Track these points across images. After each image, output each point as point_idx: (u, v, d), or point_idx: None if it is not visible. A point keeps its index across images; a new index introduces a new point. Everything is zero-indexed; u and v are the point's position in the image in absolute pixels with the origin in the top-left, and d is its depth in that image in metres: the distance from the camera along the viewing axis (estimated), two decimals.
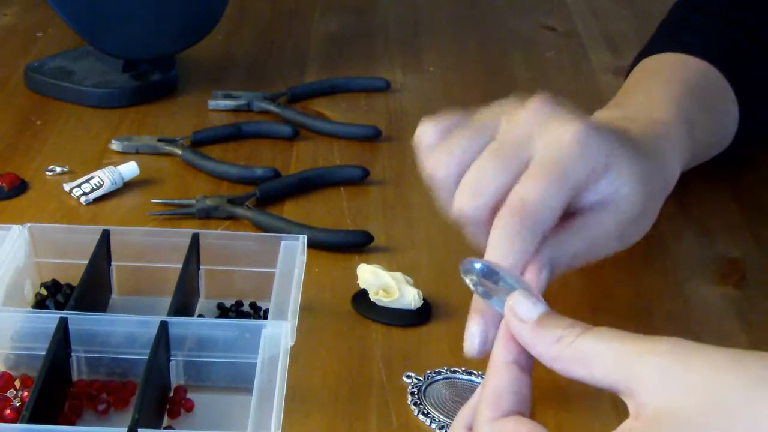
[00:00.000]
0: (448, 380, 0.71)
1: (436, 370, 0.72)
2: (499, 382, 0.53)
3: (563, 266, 0.64)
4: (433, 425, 0.67)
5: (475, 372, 0.72)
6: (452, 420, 0.67)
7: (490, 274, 0.56)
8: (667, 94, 0.82)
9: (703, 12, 0.94)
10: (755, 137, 0.95)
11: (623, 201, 0.66)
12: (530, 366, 0.54)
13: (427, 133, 0.69)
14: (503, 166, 0.63)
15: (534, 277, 0.61)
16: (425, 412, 0.68)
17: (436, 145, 0.68)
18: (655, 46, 0.93)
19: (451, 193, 0.66)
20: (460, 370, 0.72)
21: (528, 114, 0.66)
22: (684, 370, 0.47)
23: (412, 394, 0.69)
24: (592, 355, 0.49)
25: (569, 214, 0.65)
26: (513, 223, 0.60)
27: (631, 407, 0.48)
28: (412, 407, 0.68)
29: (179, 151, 0.97)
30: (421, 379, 0.71)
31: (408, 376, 0.71)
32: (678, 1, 0.99)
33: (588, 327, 0.51)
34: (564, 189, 0.62)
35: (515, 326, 0.53)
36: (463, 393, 0.70)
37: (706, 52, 0.88)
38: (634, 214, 0.67)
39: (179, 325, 0.67)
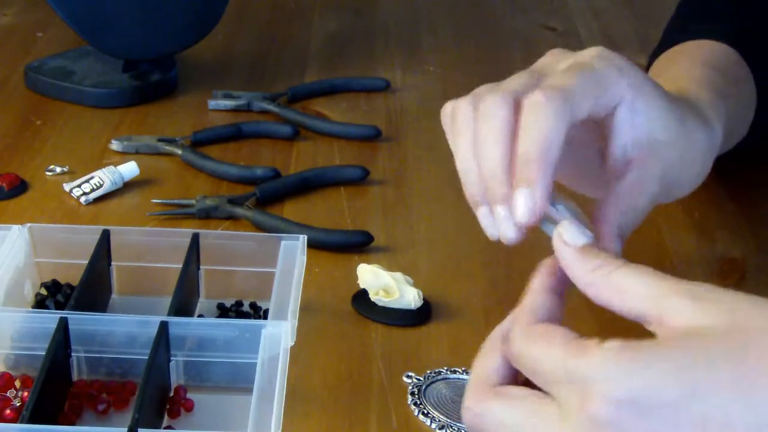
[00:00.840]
0: (448, 380, 0.71)
1: (436, 370, 0.72)
2: (536, 299, 0.55)
3: (631, 226, 0.65)
4: (434, 425, 0.67)
5: None
6: (452, 420, 0.67)
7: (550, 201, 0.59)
8: (694, 70, 0.81)
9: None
10: None
11: (662, 147, 0.65)
12: (565, 297, 0.56)
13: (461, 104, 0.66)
14: None
15: (608, 247, 0.61)
16: (425, 412, 0.68)
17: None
18: (670, 39, 0.92)
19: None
20: (460, 370, 0.72)
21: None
22: (714, 301, 0.49)
23: (412, 394, 0.69)
24: (626, 285, 0.52)
25: (619, 175, 0.64)
26: (547, 100, 0.58)
27: (660, 333, 0.50)
28: (412, 407, 0.68)
29: (179, 151, 0.97)
30: (421, 379, 0.71)
31: (408, 376, 0.71)
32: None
33: (627, 262, 0.53)
34: (585, 96, 0.60)
35: (559, 247, 0.55)
36: (463, 393, 0.70)
37: (724, 36, 0.87)
38: (677, 159, 0.66)
39: (179, 325, 0.67)
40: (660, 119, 0.64)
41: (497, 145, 0.59)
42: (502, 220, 0.60)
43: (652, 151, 0.64)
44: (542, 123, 0.58)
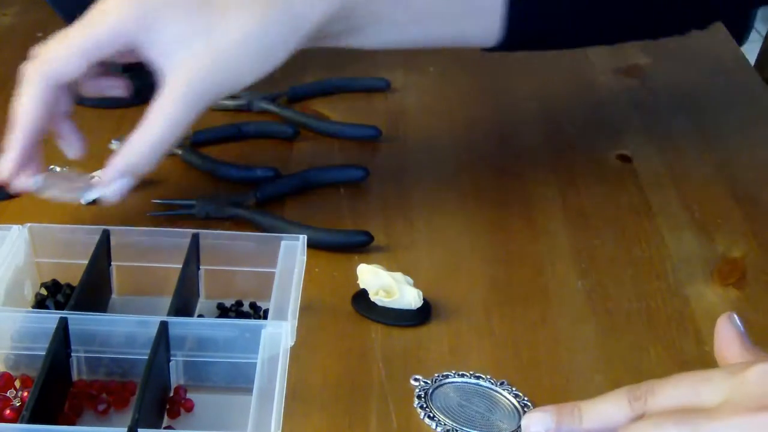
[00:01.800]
0: (455, 384, 0.71)
1: (444, 374, 0.72)
2: None
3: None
4: (439, 429, 0.67)
5: (483, 376, 0.71)
6: (458, 424, 0.67)
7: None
8: None
9: None
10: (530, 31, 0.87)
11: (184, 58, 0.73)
12: None
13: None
14: None
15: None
16: (431, 415, 0.68)
17: None
18: None
19: None
20: (468, 374, 0.72)
21: None
22: None
23: (419, 397, 0.69)
24: None
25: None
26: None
27: None
28: (419, 410, 0.68)
29: (179, 151, 0.97)
30: (429, 382, 0.71)
31: (416, 379, 0.71)
32: None
33: None
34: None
35: None
36: (471, 398, 0.70)
37: None
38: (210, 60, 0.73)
39: (179, 325, 0.67)
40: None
41: None
42: None
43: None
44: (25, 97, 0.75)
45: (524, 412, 0.68)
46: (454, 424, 0.67)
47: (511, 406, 0.69)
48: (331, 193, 0.94)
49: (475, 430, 0.67)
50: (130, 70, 1.09)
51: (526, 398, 0.70)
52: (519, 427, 0.67)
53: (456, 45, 0.85)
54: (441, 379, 0.71)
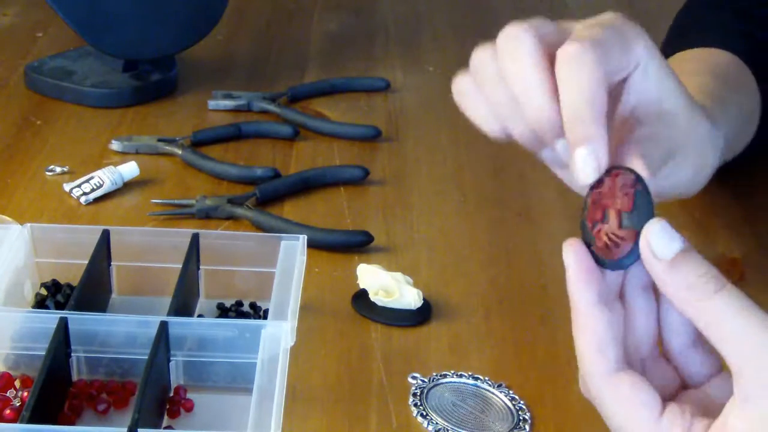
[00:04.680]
0: (452, 384, 0.71)
1: (443, 373, 0.72)
2: (596, 330, 0.53)
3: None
4: (430, 427, 0.67)
5: (481, 377, 0.71)
6: (451, 424, 0.67)
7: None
8: (696, 78, 0.78)
9: (714, 7, 0.93)
10: None
11: (669, 118, 0.62)
12: (619, 302, 0.54)
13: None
14: None
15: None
16: (424, 414, 0.68)
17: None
18: (670, 47, 0.90)
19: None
20: (467, 375, 0.72)
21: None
22: None
23: (414, 395, 0.69)
24: (716, 320, 0.50)
25: (625, 137, 0.61)
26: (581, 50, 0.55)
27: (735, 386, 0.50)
28: (413, 408, 0.68)
29: (179, 151, 0.97)
30: (426, 381, 0.71)
31: (413, 377, 0.71)
32: (682, 9, 0.98)
33: (720, 285, 0.50)
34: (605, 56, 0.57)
35: (649, 260, 0.52)
36: (466, 398, 0.70)
37: (726, 44, 0.86)
38: (682, 140, 0.63)
39: (179, 325, 0.67)
40: (669, 88, 0.62)
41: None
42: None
43: (659, 117, 0.61)
44: (584, 74, 0.54)
45: (518, 414, 0.68)
46: (446, 424, 0.67)
47: (505, 408, 0.69)
48: (331, 193, 0.94)
49: (466, 430, 0.67)
50: (130, 70, 1.09)
51: (522, 402, 0.70)
52: (511, 428, 0.67)
53: None
54: (438, 379, 0.71)
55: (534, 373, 0.73)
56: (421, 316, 0.77)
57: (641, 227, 0.52)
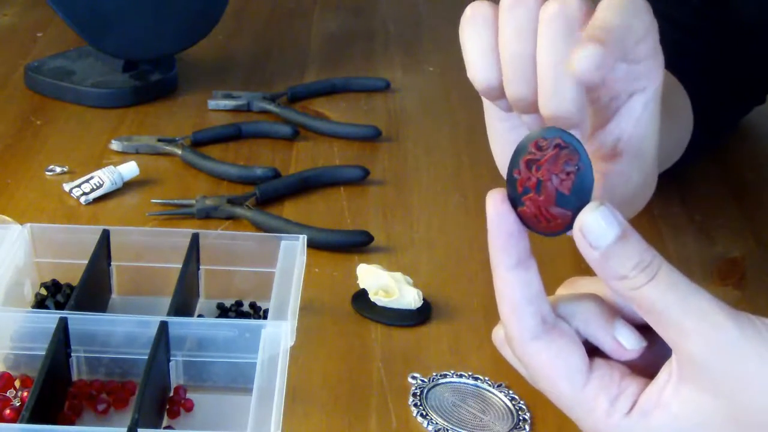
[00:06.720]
0: (452, 384, 0.71)
1: (443, 373, 0.72)
2: (512, 296, 0.51)
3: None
4: (430, 427, 0.67)
5: (481, 377, 0.71)
6: (451, 424, 0.67)
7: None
8: None
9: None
10: (712, 134, 0.93)
11: (645, 153, 0.60)
12: (533, 258, 0.52)
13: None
14: None
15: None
16: (424, 414, 0.68)
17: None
18: None
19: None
20: (467, 375, 0.72)
21: None
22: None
23: (414, 395, 0.69)
24: (651, 308, 0.49)
25: (602, 162, 0.60)
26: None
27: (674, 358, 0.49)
28: (412, 408, 0.68)
29: (179, 151, 0.97)
30: (426, 381, 0.71)
31: (413, 377, 0.71)
32: None
33: (652, 273, 0.48)
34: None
35: (583, 249, 0.50)
36: (466, 398, 0.70)
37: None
38: (649, 170, 0.62)
39: (179, 325, 0.67)
40: (654, 131, 0.60)
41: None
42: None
43: (636, 156, 0.60)
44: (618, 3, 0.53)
45: (518, 415, 0.68)
46: (446, 424, 0.67)
47: (505, 408, 0.69)
48: (331, 193, 0.94)
49: (466, 430, 0.67)
50: (130, 70, 1.09)
51: (522, 402, 0.70)
52: (511, 429, 0.67)
53: None
54: (438, 379, 0.71)
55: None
56: (421, 316, 0.77)
57: (576, 212, 0.50)
